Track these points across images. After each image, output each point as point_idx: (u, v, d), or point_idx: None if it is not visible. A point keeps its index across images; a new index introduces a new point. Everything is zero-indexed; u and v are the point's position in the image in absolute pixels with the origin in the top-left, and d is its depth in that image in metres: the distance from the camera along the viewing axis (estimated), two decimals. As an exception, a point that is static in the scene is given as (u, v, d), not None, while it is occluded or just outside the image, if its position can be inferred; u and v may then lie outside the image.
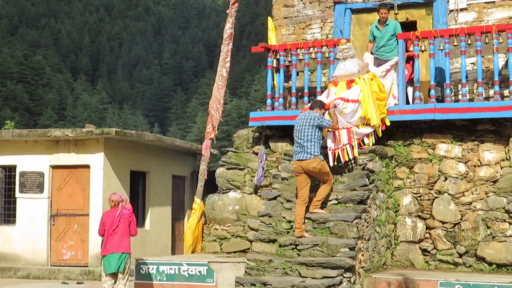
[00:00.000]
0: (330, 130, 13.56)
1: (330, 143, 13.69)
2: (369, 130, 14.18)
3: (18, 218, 20.70)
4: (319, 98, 14.34)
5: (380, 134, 14.41)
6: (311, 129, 12.99)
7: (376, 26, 15.48)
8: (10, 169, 20.95)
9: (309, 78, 15.95)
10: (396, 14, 16.16)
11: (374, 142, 14.38)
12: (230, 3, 17.63)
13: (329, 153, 13.67)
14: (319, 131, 13.10)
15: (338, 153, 13.72)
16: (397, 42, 15.06)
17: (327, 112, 13.55)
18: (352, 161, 13.94)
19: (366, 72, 14.47)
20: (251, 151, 16.48)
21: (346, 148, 13.75)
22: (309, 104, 13.98)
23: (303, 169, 13.00)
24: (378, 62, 15.21)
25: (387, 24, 15.30)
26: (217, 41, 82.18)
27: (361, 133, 14.04)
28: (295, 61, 16.01)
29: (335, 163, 13.71)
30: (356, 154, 13.84)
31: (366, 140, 14.24)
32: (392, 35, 15.21)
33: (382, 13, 15.27)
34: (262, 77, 64.44)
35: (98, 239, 19.54)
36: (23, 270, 20.25)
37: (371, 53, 15.49)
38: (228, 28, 17.44)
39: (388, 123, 14.50)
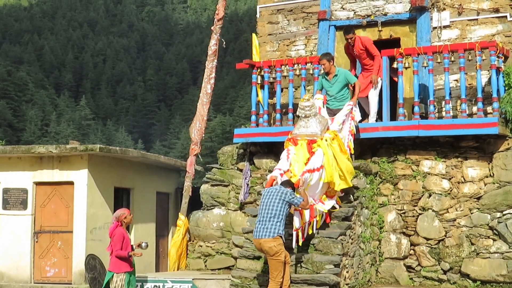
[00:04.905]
0: (299, 209, 12.37)
1: (297, 223, 12.44)
2: (331, 204, 13.32)
3: (1, 235, 20.55)
4: (281, 159, 13.48)
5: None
6: (281, 203, 11.86)
7: (324, 77, 15.04)
8: (-7, 186, 20.84)
9: (293, 95, 16.00)
10: (379, 31, 16.24)
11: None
12: (215, 20, 17.69)
13: (294, 233, 12.47)
14: (288, 209, 12.02)
15: (299, 233, 12.58)
16: (349, 92, 14.85)
17: (295, 190, 12.32)
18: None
19: (327, 130, 13.78)
20: (236, 168, 16.51)
21: (305, 226, 12.67)
22: (273, 173, 12.95)
23: (260, 248, 11.94)
24: (329, 112, 14.77)
25: (336, 75, 14.83)
26: (201, 57, 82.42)
27: (321, 211, 13.00)
28: (280, 78, 16.08)
29: (299, 244, 12.59)
30: (310, 232, 12.75)
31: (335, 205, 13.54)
32: (344, 85, 14.80)
33: (323, 64, 14.83)
34: (246, 93, 64.52)
35: (81, 256, 19.51)
36: (6, 287, 20.09)
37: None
38: (213, 45, 17.50)
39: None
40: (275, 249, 11.71)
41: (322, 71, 15.09)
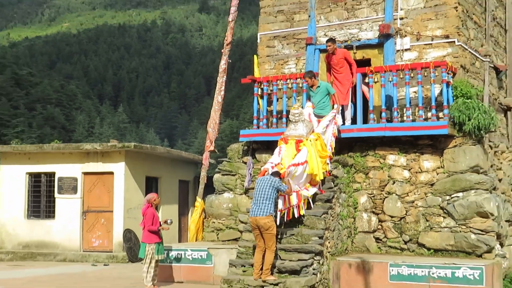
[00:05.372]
0: (283, 194, 12.46)
1: (280, 205, 12.49)
2: (314, 190, 13.35)
3: (57, 214, 20.67)
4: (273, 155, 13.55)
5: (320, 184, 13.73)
6: (271, 189, 11.95)
7: (310, 89, 14.99)
8: (51, 175, 20.92)
9: (286, 103, 16.00)
10: (354, 53, 16.17)
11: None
12: (225, 44, 17.70)
13: (278, 213, 12.48)
14: (276, 193, 12.14)
15: (284, 213, 12.67)
16: (329, 100, 14.72)
17: (282, 180, 12.38)
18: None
19: (312, 132, 13.75)
20: (241, 161, 16.49)
21: (293, 208, 12.76)
22: (266, 166, 13.01)
23: (256, 224, 11.89)
24: (315, 117, 14.60)
25: (319, 86, 14.75)
26: (213, 74, 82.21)
27: (306, 195, 13.13)
28: (276, 90, 16.08)
29: (278, 222, 12.48)
30: (302, 213, 12.91)
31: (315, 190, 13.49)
32: (325, 95, 14.68)
33: (306, 81, 14.91)
34: (249, 102, 64.27)
35: (120, 230, 19.57)
36: (61, 255, 20.20)
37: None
38: (223, 64, 17.51)
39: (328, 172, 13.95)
40: (269, 224, 11.80)
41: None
